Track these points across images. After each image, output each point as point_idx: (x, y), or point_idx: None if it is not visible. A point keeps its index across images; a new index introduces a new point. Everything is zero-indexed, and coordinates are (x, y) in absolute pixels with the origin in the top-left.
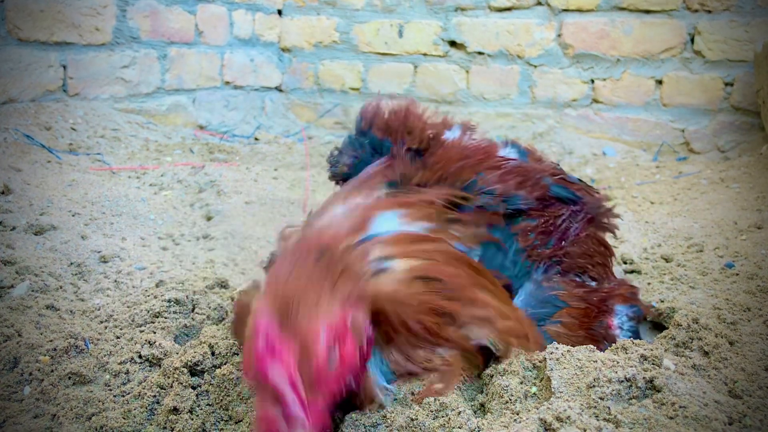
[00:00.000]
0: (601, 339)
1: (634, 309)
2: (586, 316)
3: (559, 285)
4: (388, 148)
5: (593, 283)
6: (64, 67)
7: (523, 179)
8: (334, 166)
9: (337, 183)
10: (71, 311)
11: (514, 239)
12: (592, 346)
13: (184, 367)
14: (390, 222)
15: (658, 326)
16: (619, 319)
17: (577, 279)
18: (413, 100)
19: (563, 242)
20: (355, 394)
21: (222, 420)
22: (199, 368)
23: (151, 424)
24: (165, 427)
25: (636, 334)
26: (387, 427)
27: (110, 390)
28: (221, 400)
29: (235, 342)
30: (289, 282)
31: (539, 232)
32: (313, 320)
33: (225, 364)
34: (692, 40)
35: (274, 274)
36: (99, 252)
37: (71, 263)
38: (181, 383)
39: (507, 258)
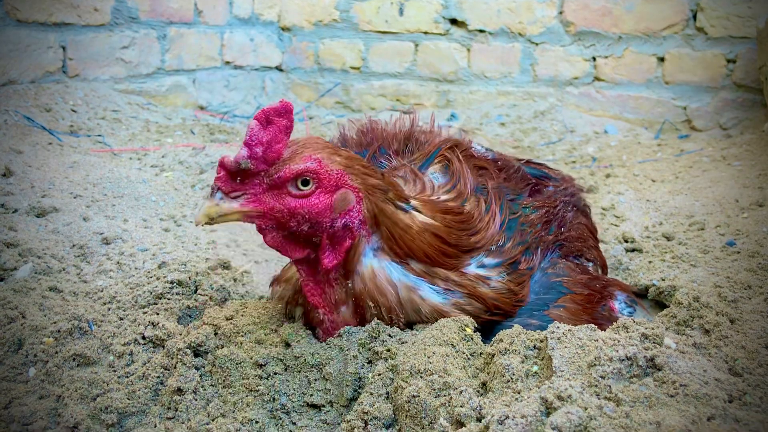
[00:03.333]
0: (606, 321)
1: (631, 298)
2: (589, 302)
3: (564, 271)
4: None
5: (590, 265)
6: (64, 48)
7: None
8: None
9: None
10: (74, 293)
11: (519, 221)
12: (593, 325)
13: (187, 348)
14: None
15: (659, 304)
16: (619, 303)
17: (577, 261)
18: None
19: (562, 228)
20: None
21: (226, 402)
22: (202, 349)
23: (156, 405)
24: (169, 408)
25: (632, 315)
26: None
27: (114, 371)
28: (224, 380)
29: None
30: (334, 148)
31: (543, 221)
32: (309, 153)
33: (227, 345)
34: (694, 17)
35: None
36: (101, 234)
37: (74, 245)
38: (185, 364)
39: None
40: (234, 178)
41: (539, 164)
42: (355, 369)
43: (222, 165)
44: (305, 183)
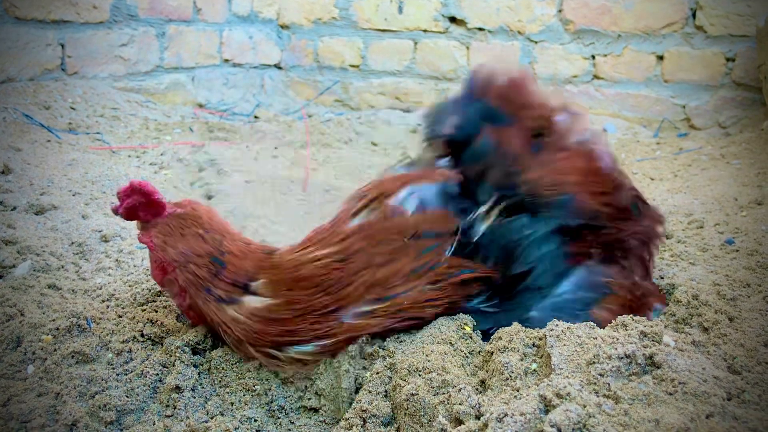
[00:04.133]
0: None
1: (663, 307)
2: (629, 307)
3: (610, 272)
4: (502, 118)
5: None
6: (62, 45)
7: (613, 203)
8: (436, 125)
9: (431, 145)
10: (73, 290)
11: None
12: (592, 323)
13: (185, 345)
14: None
15: None
16: (655, 316)
17: (623, 265)
18: (528, 74)
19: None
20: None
21: (224, 400)
22: (200, 347)
23: (154, 402)
24: (168, 405)
25: None
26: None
27: (113, 369)
28: (221, 379)
29: None
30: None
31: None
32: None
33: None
34: (694, 15)
35: None
36: (100, 231)
37: (72, 242)
38: (183, 362)
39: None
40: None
41: (644, 201)
42: (349, 384)
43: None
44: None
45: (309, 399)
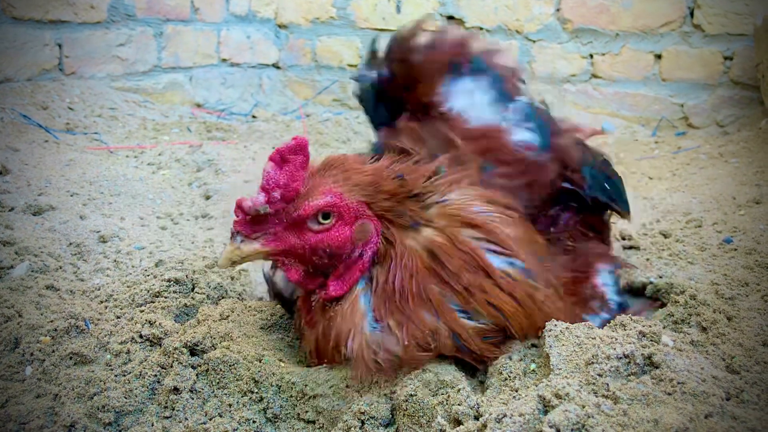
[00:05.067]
0: (589, 298)
1: (615, 265)
2: (573, 283)
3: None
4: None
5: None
6: (60, 45)
7: (530, 181)
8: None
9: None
10: (71, 291)
11: None
12: (590, 323)
13: (183, 347)
14: None
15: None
16: (602, 277)
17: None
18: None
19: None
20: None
21: (222, 402)
22: (198, 348)
23: (153, 404)
24: (166, 407)
25: (618, 285)
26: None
27: (111, 370)
28: (219, 381)
29: None
30: (359, 160)
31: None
32: (328, 185)
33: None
34: (692, 14)
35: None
36: (98, 232)
37: (70, 243)
38: (181, 363)
39: None
40: (253, 220)
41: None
42: (345, 422)
43: (240, 208)
44: (326, 217)
45: (306, 412)
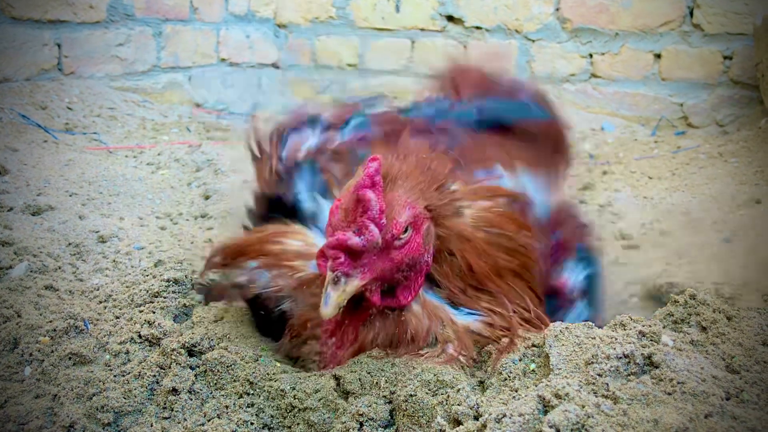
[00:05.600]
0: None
1: (580, 252)
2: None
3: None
4: None
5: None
6: (59, 45)
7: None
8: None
9: None
10: (70, 292)
11: None
12: (590, 323)
13: (181, 347)
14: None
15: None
16: (569, 272)
17: None
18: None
19: None
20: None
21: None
22: (196, 349)
23: (152, 404)
24: (165, 407)
25: (590, 266)
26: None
27: (110, 370)
28: (216, 382)
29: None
30: (400, 161)
31: None
32: (404, 197)
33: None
34: (691, 14)
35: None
36: (97, 232)
37: (69, 243)
38: (179, 364)
39: None
40: (355, 256)
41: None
42: (343, 424)
43: (344, 247)
44: (405, 230)
45: (298, 425)
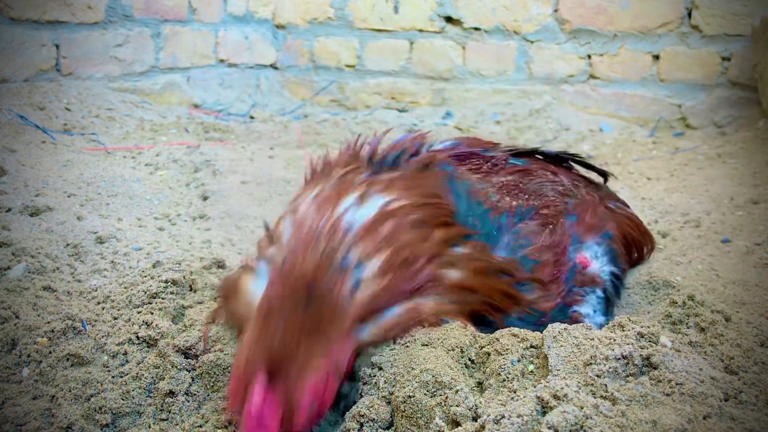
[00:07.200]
0: (580, 285)
1: (603, 234)
2: (557, 266)
3: (527, 239)
4: None
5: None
6: (57, 46)
7: None
8: None
9: None
10: (68, 292)
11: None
12: (589, 324)
13: (177, 350)
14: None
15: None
16: (591, 250)
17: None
18: None
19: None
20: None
21: (217, 405)
22: (192, 352)
23: (150, 405)
24: (162, 409)
25: (612, 255)
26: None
27: (108, 371)
28: (212, 384)
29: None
30: (280, 335)
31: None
32: (301, 381)
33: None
34: (690, 15)
35: (266, 323)
36: (95, 233)
37: (67, 244)
38: (176, 366)
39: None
40: None
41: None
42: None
43: None
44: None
45: None
